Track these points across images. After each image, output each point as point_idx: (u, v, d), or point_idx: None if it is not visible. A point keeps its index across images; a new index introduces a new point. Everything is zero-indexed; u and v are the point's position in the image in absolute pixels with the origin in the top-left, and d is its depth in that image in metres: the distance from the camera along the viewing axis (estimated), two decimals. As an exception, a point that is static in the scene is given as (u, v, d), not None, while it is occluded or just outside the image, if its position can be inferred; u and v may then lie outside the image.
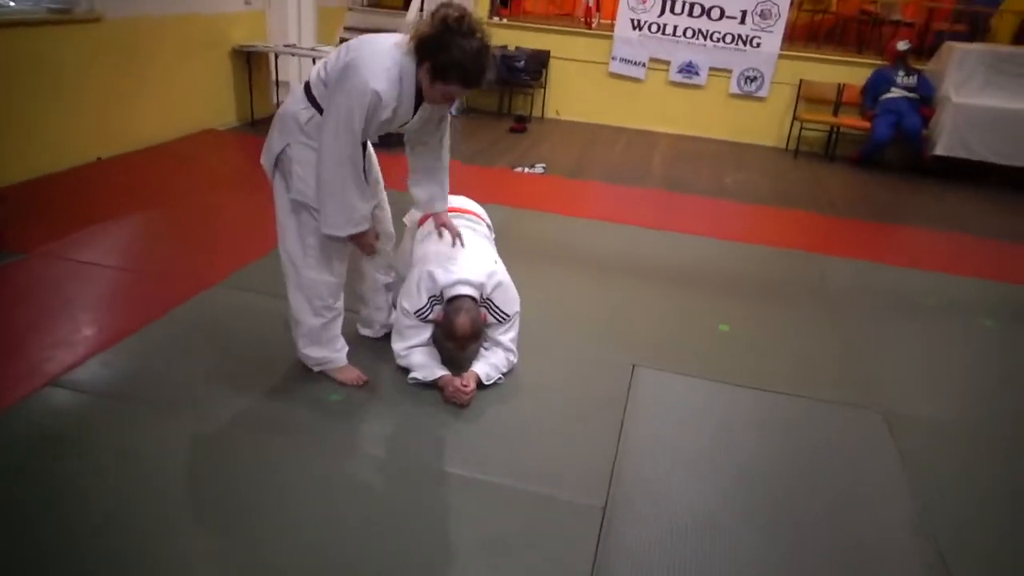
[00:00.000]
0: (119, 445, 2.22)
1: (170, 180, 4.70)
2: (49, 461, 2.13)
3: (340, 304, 2.57)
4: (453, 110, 7.81)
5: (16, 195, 4.08)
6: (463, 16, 2.08)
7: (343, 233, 2.33)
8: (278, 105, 6.85)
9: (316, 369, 2.63)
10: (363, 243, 2.46)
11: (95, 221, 3.86)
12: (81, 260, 3.41)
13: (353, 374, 2.64)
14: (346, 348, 2.64)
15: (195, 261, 3.53)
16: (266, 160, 2.41)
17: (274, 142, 2.37)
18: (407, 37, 2.15)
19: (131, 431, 2.29)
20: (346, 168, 2.22)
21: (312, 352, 2.58)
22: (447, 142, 2.58)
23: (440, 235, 2.65)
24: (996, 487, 2.45)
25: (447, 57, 2.08)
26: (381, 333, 2.89)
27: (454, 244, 2.63)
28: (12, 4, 4.47)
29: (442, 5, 2.12)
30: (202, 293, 3.20)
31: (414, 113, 2.30)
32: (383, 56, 2.15)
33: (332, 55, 2.27)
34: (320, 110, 2.26)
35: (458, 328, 2.47)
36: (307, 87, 2.31)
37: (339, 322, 2.60)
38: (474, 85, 2.17)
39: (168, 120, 5.58)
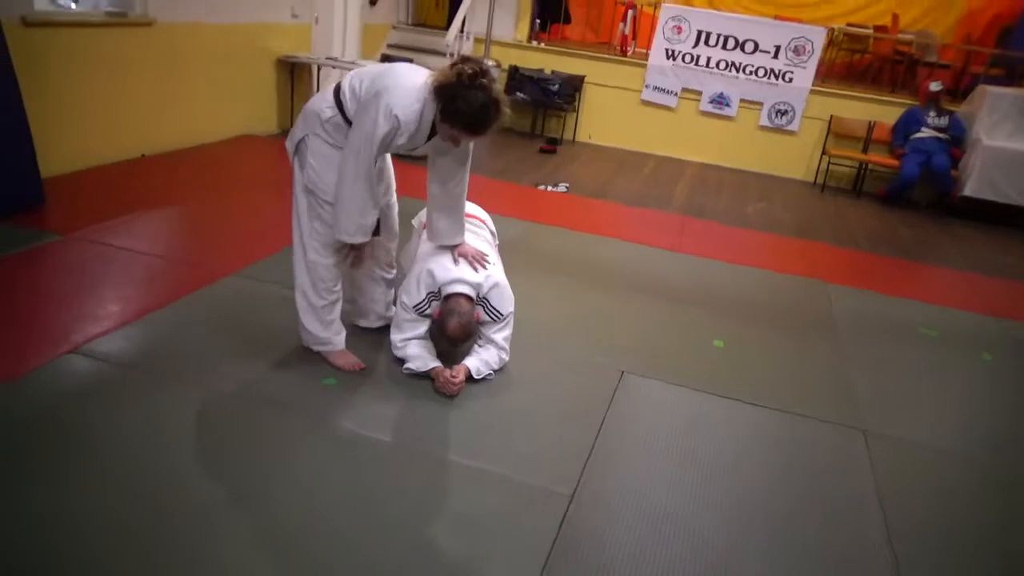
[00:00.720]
0: (131, 408, 2.40)
1: (206, 179, 4.96)
2: (65, 420, 2.31)
3: (339, 289, 2.74)
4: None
5: (63, 183, 4.36)
6: (476, 73, 2.29)
7: (352, 241, 2.57)
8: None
9: (316, 349, 2.80)
10: (359, 253, 2.67)
11: (131, 211, 4.11)
12: (113, 245, 3.64)
13: (351, 359, 2.79)
14: (343, 333, 2.80)
15: (218, 252, 3.75)
16: (289, 144, 2.65)
17: (297, 130, 2.60)
18: (431, 78, 2.36)
19: (143, 397, 2.48)
20: (362, 186, 2.44)
21: (312, 328, 2.75)
22: (466, 183, 2.75)
23: (456, 261, 2.77)
24: (961, 508, 2.49)
25: (453, 106, 2.30)
26: (376, 324, 3.05)
27: (476, 269, 2.76)
28: (73, 6, 4.80)
29: (464, 59, 2.34)
30: (221, 280, 3.40)
31: (427, 141, 2.50)
32: (410, 92, 2.36)
33: (368, 73, 2.47)
34: (343, 113, 2.47)
35: (450, 330, 2.64)
36: (337, 90, 2.51)
37: (338, 307, 2.77)
38: (478, 134, 2.39)
39: (210, 123, 5.87)
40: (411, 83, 2.38)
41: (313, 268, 2.65)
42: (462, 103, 2.29)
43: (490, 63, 7.72)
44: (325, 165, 2.52)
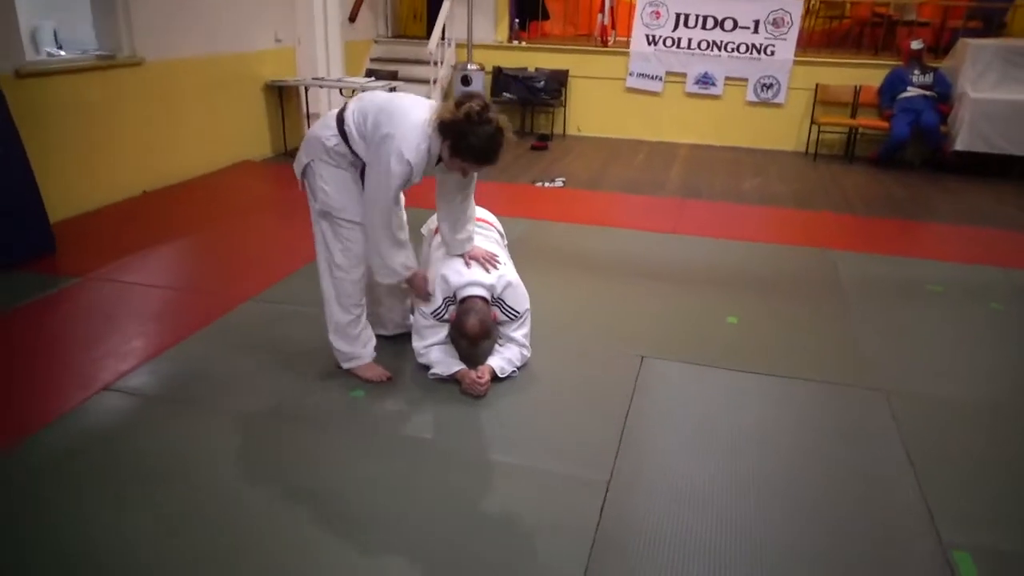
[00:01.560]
0: (174, 437, 2.47)
1: (209, 208, 5.02)
2: (106, 456, 2.38)
3: (364, 302, 2.82)
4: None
5: (71, 227, 4.43)
6: (483, 110, 2.39)
7: (392, 282, 2.74)
8: (309, 135, 7.21)
9: (344, 366, 2.86)
10: (415, 286, 2.78)
11: (142, 247, 4.18)
12: (130, 281, 3.71)
13: (378, 371, 2.86)
14: (372, 342, 2.87)
15: (232, 279, 3.81)
16: (296, 169, 2.72)
17: (302, 156, 2.68)
18: (434, 114, 2.43)
19: (182, 426, 2.54)
20: (385, 232, 2.56)
21: (340, 346, 2.83)
22: (471, 196, 2.84)
23: (468, 264, 2.83)
24: (993, 461, 2.54)
25: (466, 142, 2.40)
26: (394, 332, 3.11)
27: (488, 270, 2.82)
28: (63, 53, 4.87)
29: (467, 96, 2.43)
30: (239, 306, 3.46)
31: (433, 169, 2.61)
32: (416, 132, 2.44)
33: (371, 106, 2.52)
34: (347, 142, 2.55)
35: (468, 328, 2.69)
36: (340, 120, 2.58)
37: (363, 320, 2.84)
38: (490, 164, 2.49)
39: (207, 154, 5.93)
40: (416, 121, 2.45)
41: (339, 284, 2.73)
42: (473, 139, 2.38)
43: (473, 67, 7.80)
44: (336, 187, 2.61)
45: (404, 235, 2.68)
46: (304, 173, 2.68)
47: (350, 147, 2.55)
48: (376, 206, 2.52)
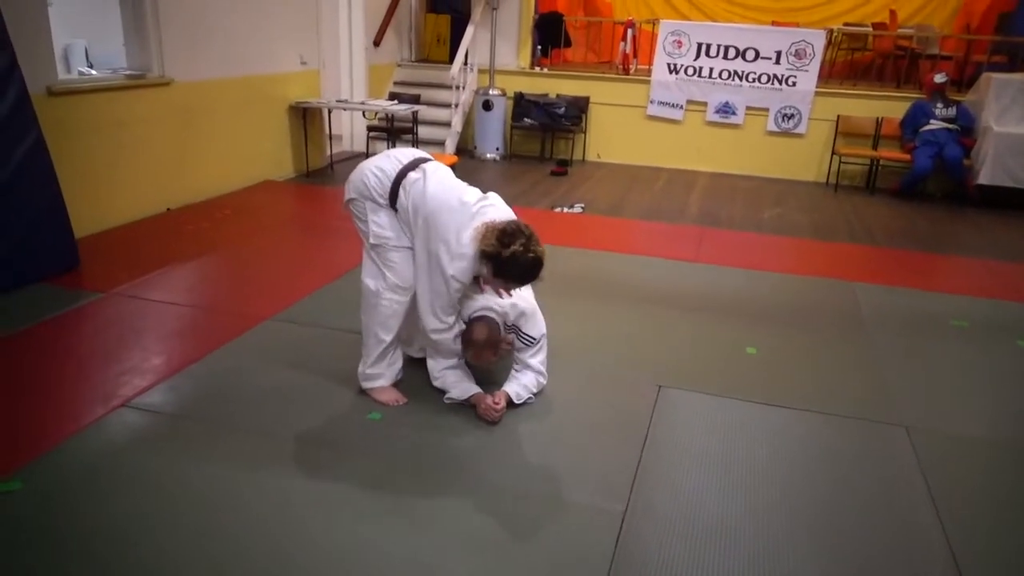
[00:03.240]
0: (190, 457, 2.47)
1: (231, 227, 5.07)
2: (125, 472, 2.38)
3: (399, 327, 2.84)
4: (497, 156, 8.15)
5: (96, 243, 4.49)
6: (525, 250, 2.43)
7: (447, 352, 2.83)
8: (331, 156, 7.30)
9: (364, 386, 2.88)
10: (489, 348, 2.75)
11: (164, 264, 4.22)
12: (151, 299, 3.74)
13: (393, 395, 2.86)
14: (398, 366, 2.91)
15: (253, 298, 3.83)
16: (345, 200, 2.80)
17: (349, 190, 2.76)
18: (480, 241, 2.46)
19: (198, 445, 2.54)
20: (440, 313, 2.64)
21: (366, 368, 2.87)
22: None
23: (482, 290, 2.83)
24: (1018, 503, 2.49)
25: (508, 270, 2.47)
26: (419, 355, 3.10)
27: (501, 295, 2.82)
28: (93, 72, 4.96)
29: (514, 230, 2.45)
30: (258, 326, 3.48)
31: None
32: (465, 253, 2.49)
33: (420, 204, 2.58)
34: (391, 198, 2.66)
35: (475, 335, 2.68)
36: (393, 194, 2.64)
37: (396, 345, 2.88)
38: (528, 282, 2.58)
39: (231, 173, 6.01)
40: (465, 243, 2.48)
41: (386, 308, 2.76)
42: (515, 267, 2.45)
43: (495, 92, 7.87)
44: (382, 220, 2.69)
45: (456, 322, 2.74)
46: (350, 204, 2.76)
47: (392, 205, 2.65)
48: (430, 297, 2.60)
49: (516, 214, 2.65)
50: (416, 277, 2.66)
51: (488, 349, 2.72)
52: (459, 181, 2.72)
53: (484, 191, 2.70)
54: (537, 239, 2.48)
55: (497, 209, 2.59)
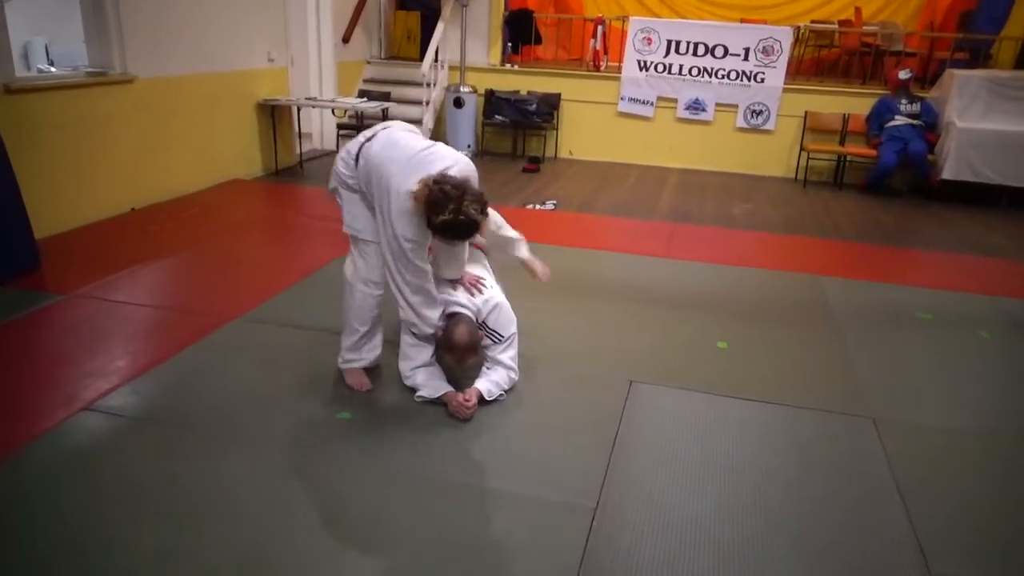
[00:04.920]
0: (152, 460, 2.42)
1: (198, 227, 4.99)
2: (86, 476, 2.33)
3: (375, 316, 2.86)
4: (468, 154, 8.12)
5: (57, 244, 4.39)
6: (458, 208, 2.35)
7: (420, 332, 2.77)
8: (301, 155, 7.22)
9: (340, 365, 2.93)
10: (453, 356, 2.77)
11: (129, 265, 4.14)
12: (114, 300, 3.66)
13: (360, 380, 2.90)
14: (376, 352, 2.94)
15: (220, 298, 3.77)
16: (329, 188, 2.82)
17: (332, 180, 2.76)
18: (417, 188, 2.40)
19: (158, 448, 2.49)
20: (414, 294, 2.62)
21: (344, 345, 2.90)
22: (502, 229, 3.02)
23: (455, 287, 2.86)
24: (982, 492, 2.53)
25: (445, 233, 2.44)
26: None
27: (472, 295, 2.84)
28: (53, 69, 4.85)
29: (440, 198, 2.36)
30: (226, 325, 3.42)
31: None
32: (404, 202, 2.43)
33: (375, 157, 2.54)
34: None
35: (456, 337, 2.66)
36: (356, 159, 2.61)
37: (375, 337, 2.91)
38: (463, 240, 2.58)
39: (197, 171, 5.91)
40: (402, 195, 2.43)
41: (362, 299, 2.78)
42: (449, 232, 2.42)
43: (466, 89, 7.83)
44: (354, 210, 2.69)
45: (433, 290, 2.70)
46: (334, 193, 2.77)
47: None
48: (397, 267, 2.57)
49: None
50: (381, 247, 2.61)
51: (469, 352, 2.71)
52: (412, 135, 2.65)
53: None
54: (473, 196, 2.38)
55: (442, 158, 2.51)
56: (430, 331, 2.73)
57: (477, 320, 2.78)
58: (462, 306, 2.74)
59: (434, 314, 2.70)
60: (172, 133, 5.59)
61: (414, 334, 2.78)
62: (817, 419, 2.90)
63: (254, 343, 3.29)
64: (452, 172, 2.44)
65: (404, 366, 2.85)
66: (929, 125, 7.03)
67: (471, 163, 2.58)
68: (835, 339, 3.64)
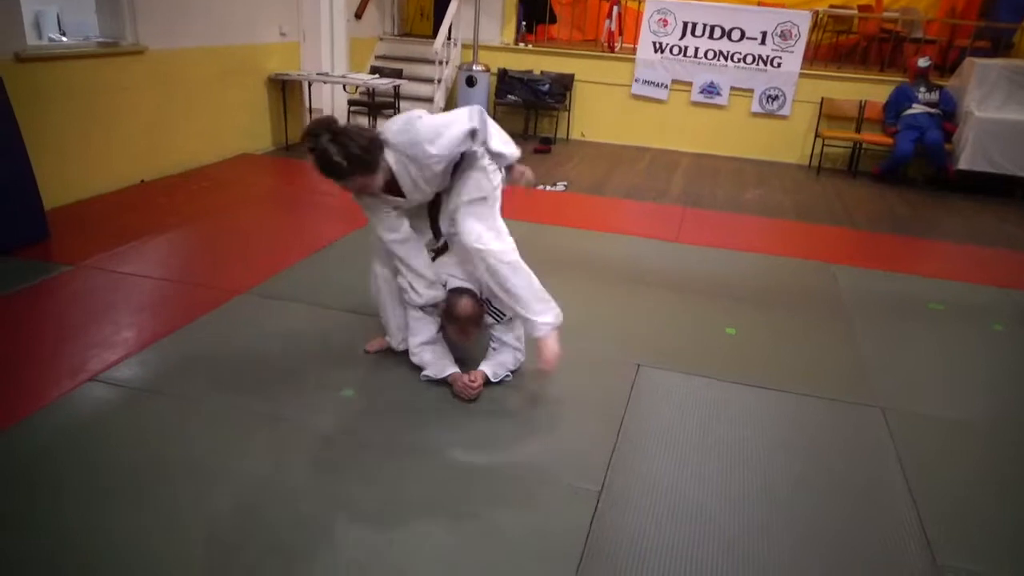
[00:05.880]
0: (150, 432, 2.42)
1: (207, 200, 4.98)
2: (90, 447, 2.33)
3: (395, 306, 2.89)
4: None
5: (66, 214, 4.38)
6: (320, 128, 2.34)
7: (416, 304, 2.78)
8: (311, 130, 7.18)
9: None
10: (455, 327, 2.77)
11: (137, 237, 4.13)
12: (123, 271, 3.66)
13: (375, 343, 2.97)
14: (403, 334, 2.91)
15: (227, 272, 3.76)
16: None
17: None
18: None
19: (161, 420, 2.49)
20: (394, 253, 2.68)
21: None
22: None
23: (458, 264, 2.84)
24: (990, 483, 2.50)
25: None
26: (404, 347, 3.03)
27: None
28: (64, 39, 4.82)
29: (315, 122, 2.38)
30: (233, 299, 3.41)
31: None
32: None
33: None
34: None
35: (459, 309, 2.65)
36: None
37: (392, 311, 2.92)
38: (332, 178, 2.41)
39: (207, 145, 5.89)
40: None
41: (373, 285, 2.89)
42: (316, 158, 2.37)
43: (478, 68, 7.77)
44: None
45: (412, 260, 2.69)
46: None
47: None
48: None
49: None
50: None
51: (471, 324, 2.69)
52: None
53: None
54: (335, 131, 2.32)
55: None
56: (419, 300, 2.72)
57: (480, 294, 2.75)
58: (463, 282, 2.72)
59: (419, 284, 2.69)
60: (182, 106, 5.57)
61: (421, 308, 2.77)
62: (825, 407, 2.88)
63: (261, 318, 3.28)
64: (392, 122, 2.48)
65: (412, 341, 2.84)
66: (947, 114, 6.94)
67: (426, 116, 2.49)
68: (845, 327, 3.61)
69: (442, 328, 2.82)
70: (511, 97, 8.00)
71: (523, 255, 2.61)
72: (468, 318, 2.66)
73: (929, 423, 2.81)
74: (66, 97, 4.56)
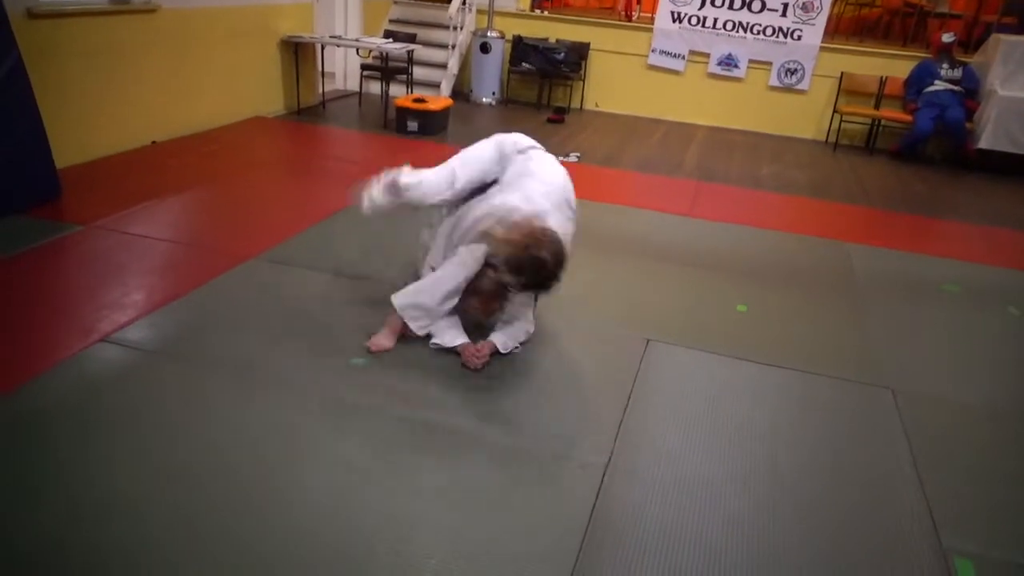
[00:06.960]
0: (166, 394, 2.43)
1: (218, 163, 4.96)
2: (97, 407, 2.35)
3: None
4: (493, 101, 7.98)
5: (77, 174, 4.37)
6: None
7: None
8: (323, 94, 7.12)
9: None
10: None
11: (148, 198, 4.12)
12: (134, 233, 3.66)
13: (380, 341, 2.82)
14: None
15: (238, 236, 3.75)
16: None
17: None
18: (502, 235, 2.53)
19: (171, 383, 2.50)
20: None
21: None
22: None
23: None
24: (999, 468, 2.49)
25: (518, 284, 2.60)
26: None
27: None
28: (77, -5, 4.76)
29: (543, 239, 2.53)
30: (243, 264, 3.41)
31: None
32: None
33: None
34: None
35: (484, 283, 2.64)
36: None
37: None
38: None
39: (219, 107, 5.85)
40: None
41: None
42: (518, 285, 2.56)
43: (493, 34, 7.66)
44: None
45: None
46: None
47: None
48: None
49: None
50: None
51: (495, 299, 2.69)
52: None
53: (479, 136, 2.68)
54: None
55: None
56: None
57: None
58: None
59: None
60: (194, 67, 5.52)
61: (433, 269, 2.76)
62: (834, 387, 2.86)
63: (271, 283, 3.27)
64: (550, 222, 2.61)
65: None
66: (970, 92, 6.81)
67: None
68: (858, 307, 3.58)
69: (462, 300, 2.81)
70: (525, 65, 7.90)
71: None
72: (491, 292, 2.64)
73: (939, 406, 2.79)
74: (78, 54, 4.52)
